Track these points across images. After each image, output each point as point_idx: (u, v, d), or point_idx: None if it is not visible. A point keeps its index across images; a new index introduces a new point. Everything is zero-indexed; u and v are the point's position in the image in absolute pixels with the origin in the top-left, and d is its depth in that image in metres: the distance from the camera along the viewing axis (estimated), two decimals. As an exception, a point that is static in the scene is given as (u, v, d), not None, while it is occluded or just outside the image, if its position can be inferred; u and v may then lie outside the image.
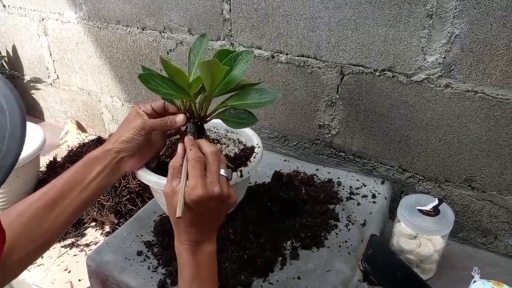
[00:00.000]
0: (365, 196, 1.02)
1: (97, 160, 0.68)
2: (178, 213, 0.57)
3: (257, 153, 0.81)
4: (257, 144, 0.84)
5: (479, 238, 1.02)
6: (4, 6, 1.50)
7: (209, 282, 0.64)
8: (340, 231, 0.91)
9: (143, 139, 0.70)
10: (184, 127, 0.74)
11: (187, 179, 0.60)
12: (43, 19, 1.44)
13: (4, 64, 1.64)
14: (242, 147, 0.89)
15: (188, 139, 0.66)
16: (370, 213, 0.97)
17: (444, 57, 0.86)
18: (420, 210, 0.88)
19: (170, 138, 0.85)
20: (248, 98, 0.72)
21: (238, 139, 0.91)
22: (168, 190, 0.61)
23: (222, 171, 0.62)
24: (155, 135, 0.75)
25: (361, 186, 1.06)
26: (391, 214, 1.07)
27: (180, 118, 0.72)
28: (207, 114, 0.75)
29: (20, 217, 0.61)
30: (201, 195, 0.58)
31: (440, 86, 0.90)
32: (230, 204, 0.63)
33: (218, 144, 0.92)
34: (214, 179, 0.59)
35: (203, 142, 0.65)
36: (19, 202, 0.64)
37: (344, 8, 0.92)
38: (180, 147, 0.65)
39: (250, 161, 0.79)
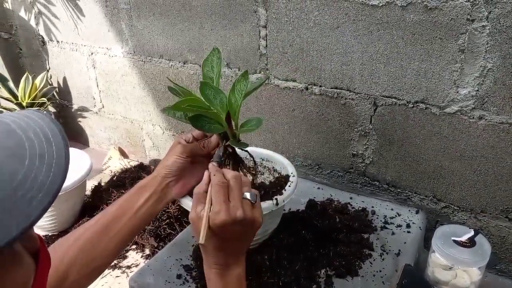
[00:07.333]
0: (399, 225, 1.03)
1: (145, 188, 0.75)
2: (201, 239, 0.58)
3: (292, 182, 0.85)
4: (291, 173, 0.88)
5: (519, 271, 1.00)
6: (58, 41, 1.63)
7: None
8: (374, 260, 0.92)
9: (184, 162, 0.76)
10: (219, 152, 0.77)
11: (211, 205, 0.61)
12: (92, 53, 1.55)
13: (55, 94, 1.77)
14: (277, 175, 0.92)
15: (211, 165, 0.68)
16: (405, 242, 0.97)
17: (477, 90, 0.88)
18: (456, 241, 0.88)
19: None
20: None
21: (273, 167, 0.95)
22: (193, 215, 0.62)
23: (247, 195, 0.62)
24: (200, 163, 0.79)
25: (396, 216, 1.06)
26: (426, 244, 1.06)
27: (213, 138, 0.79)
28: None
29: (77, 240, 0.67)
30: (225, 219, 0.59)
31: (473, 118, 0.91)
32: (255, 228, 0.63)
33: (249, 174, 0.96)
34: (237, 203, 0.60)
35: (226, 170, 0.67)
36: (78, 228, 0.71)
37: (376, 43, 0.95)
38: (205, 174, 0.67)
39: (285, 190, 0.82)
